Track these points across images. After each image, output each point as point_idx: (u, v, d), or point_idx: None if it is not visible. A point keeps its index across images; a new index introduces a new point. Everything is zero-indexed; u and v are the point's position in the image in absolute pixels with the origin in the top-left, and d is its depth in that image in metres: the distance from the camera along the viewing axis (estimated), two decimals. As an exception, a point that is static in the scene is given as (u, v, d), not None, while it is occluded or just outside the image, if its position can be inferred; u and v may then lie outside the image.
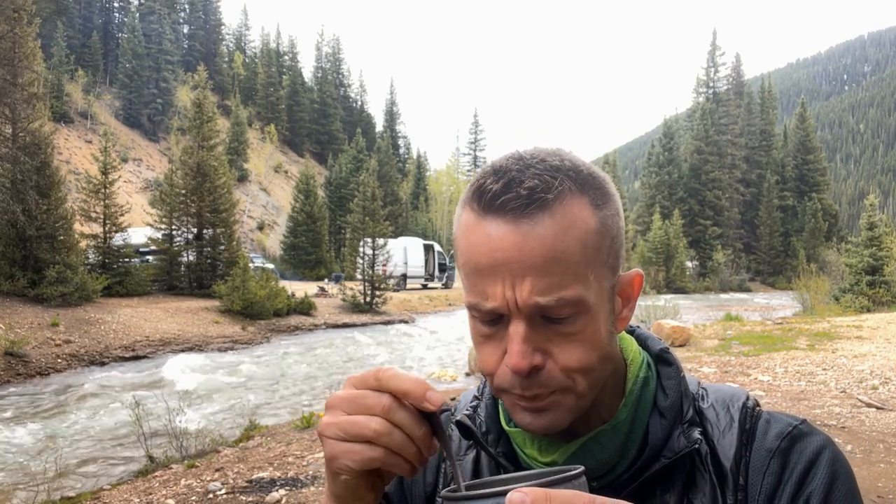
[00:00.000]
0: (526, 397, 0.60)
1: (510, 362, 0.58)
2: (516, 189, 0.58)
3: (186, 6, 78.41)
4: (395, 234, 37.57)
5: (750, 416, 0.66)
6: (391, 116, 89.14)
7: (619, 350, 0.69)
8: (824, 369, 9.57)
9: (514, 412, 0.63)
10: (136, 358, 14.99)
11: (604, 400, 0.66)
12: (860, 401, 7.49)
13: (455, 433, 0.75)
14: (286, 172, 68.79)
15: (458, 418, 0.72)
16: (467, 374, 13.23)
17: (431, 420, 0.53)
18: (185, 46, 75.01)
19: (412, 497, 0.77)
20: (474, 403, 0.75)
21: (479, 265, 0.60)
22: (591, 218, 0.60)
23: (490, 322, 0.61)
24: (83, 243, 19.39)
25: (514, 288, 0.58)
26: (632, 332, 0.74)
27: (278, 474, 5.60)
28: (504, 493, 0.42)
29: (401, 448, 0.52)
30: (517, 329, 0.58)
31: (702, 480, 0.63)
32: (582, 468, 0.47)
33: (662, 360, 0.70)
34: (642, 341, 0.73)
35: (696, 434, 0.64)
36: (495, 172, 0.61)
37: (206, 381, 12.37)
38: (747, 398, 0.68)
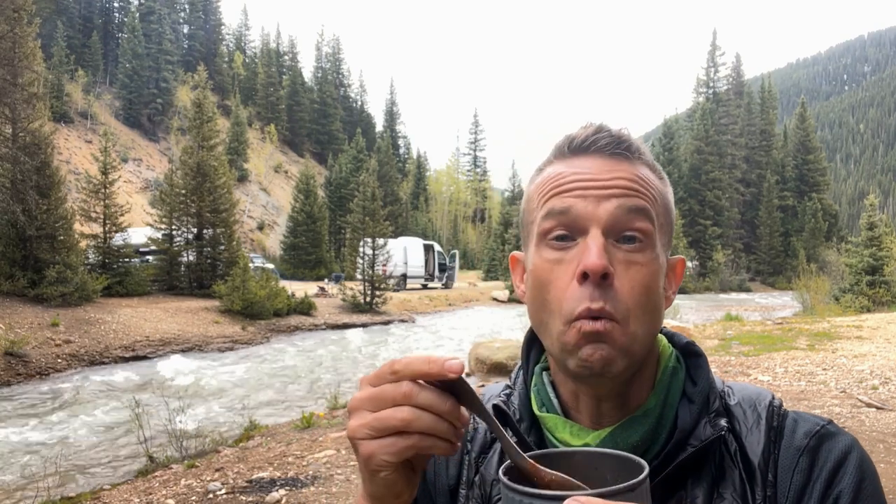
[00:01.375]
0: (593, 312, 0.61)
1: (588, 262, 0.61)
2: (607, 131, 0.67)
3: (186, 6, 78.38)
4: (395, 234, 37.55)
5: (777, 414, 0.68)
6: (391, 116, 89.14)
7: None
8: (824, 369, 9.57)
9: (577, 347, 0.63)
10: (136, 358, 14.99)
11: (637, 387, 0.68)
12: (860, 401, 7.48)
13: (482, 425, 0.77)
14: (286, 172, 68.80)
15: (494, 402, 0.73)
16: (468, 374, 13.23)
17: (455, 390, 0.52)
18: (185, 46, 75.00)
19: (436, 492, 0.77)
20: (507, 392, 0.77)
21: (564, 187, 0.65)
22: (657, 182, 0.69)
23: (563, 239, 0.65)
24: (83, 243, 19.39)
25: (599, 203, 0.64)
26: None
27: (278, 474, 5.60)
28: (561, 498, 0.41)
29: (433, 428, 0.51)
30: (595, 237, 0.62)
31: (731, 474, 0.65)
32: (646, 472, 0.45)
33: (690, 352, 0.73)
34: (669, 337, 0.75)
35: (723, 423, 0.65)
36: (582, 128, 0.69)
37: (206, 382, 12.37)
38: (773, 397, 0.70)
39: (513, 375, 0.78)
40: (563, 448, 0.58)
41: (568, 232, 0.64)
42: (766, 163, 72.12)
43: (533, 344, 0.76)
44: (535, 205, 0.68)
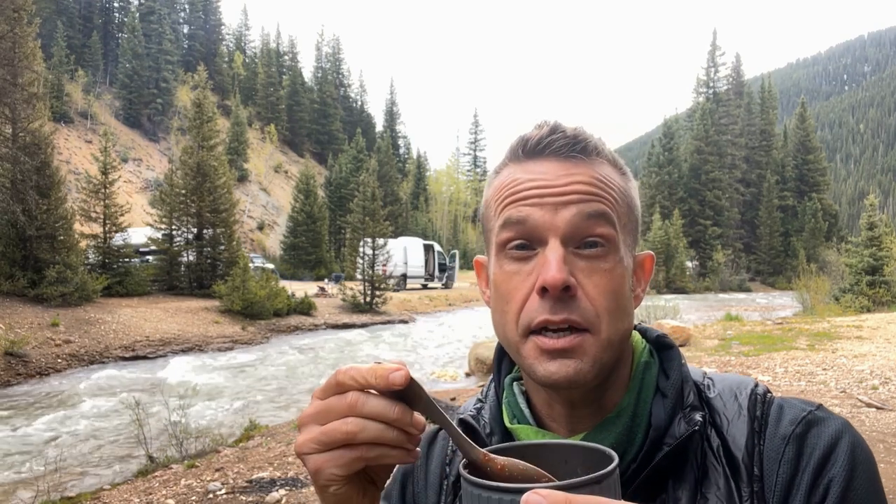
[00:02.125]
0: (553, 325, 0.60)
1: (547, 276, 0.59)
2: (562, 132, 0.65)
3: (186, 6, 78.42)
4: (395, 234, 37.57)
5: (760, 402, 0.64)
6: (391, 116, 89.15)
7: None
8: (824, 369, 9.57)
9: (538, 362, 0.61)
10: (136, 358, 14.99)
11: (612, 389, 0.66)
12: (860, 401, 7.48)
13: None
14: (286, 172, 68.80)
15: (461, 416, 0.72)
16: (467, 374, 13.22)
17: (405, 396, 0.50)
18: (185, 46, 75.03)
19: None
20: (478, 406, 0.74)
21: (520, 195, 0.63)
22: (619, 179, 0.66)
23: (522, 248, 0.63)
24: (83, 243, 19.39)
25: (557, 211, 0.62)
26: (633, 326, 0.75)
27: (278, 474, 5.60)
28: (521, 491, 0.39)
29: (381, 437, 0.49)
30: (554, 249, 0.61)
31: (715, 473, 0.61)
32: (614, 463, 0.44)
33: (661, 345, 0.71)
34: (641, 333, 0.74)
35: (698, 417, 0.62)
36: (536, 127, 0.67)
37: (205, 381, 12.37)
38: (756, 385, 0.66)
39: (484, 389, 0.76)
40: (530, 441, 0.55)
41: (527, 241, 0.63)
42: (766, 163, 72.14)
43: (504, 355, 0.74)
44: (492, 212, 0.66)
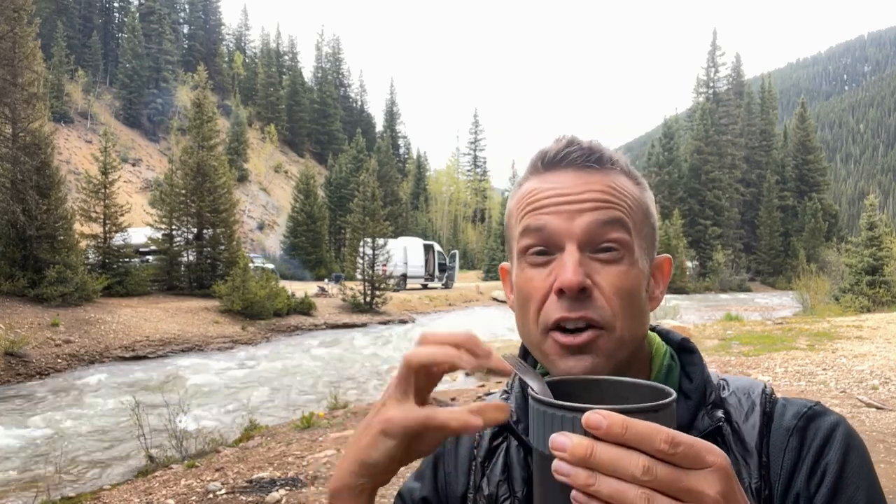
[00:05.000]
0: (570, 322, 0.64)
1: (563, 278, 0.63)
2: (578, 145, 0.69)
3: (186, 6, 78.44)
4: (395, 234, 37.56)
5: (769, 401, 0.70)
6: (391, 116, 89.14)
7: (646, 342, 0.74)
8: (824, 369, 9.57)
9: (557, 358, 0.65)
10: (137, 358, 14.98)
11: None
12: (860, 401, 7.48)
13: (486, 433, 0.79)
14: (286, 172, 68.79)
15: None
16: (467, 374, 13.23)
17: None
18: (185, 46, 75.03)
19: (448, 499, 0.79)
20: (504, 397, 0.79)
21: (539, 203, 0.68)
22: (634, 188, 0.70)
23: (541, 253, 0.67)
24: (83, 243, 19.38)
25: (573, 219, 0.66)
26: (653, 328, 0.77)
27: (278, 474, 5.59)
28: (583, 410, 0.41)
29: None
30: (571, 253, 0.65)
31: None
32: (672, 397, 0.46)
33: (684, 349, 0.75)
34: (663, 336, 0.77)
35: (720, 413, 0.68)
36: (555, 141, 0.71)
37: (205, 381, 12.37)
38: (765, 386, 0.73)
39: (509, 382, 0.80)
40: (592, 376, 0.59)
41: (545, 247, 0.67)
42: (766, 163, 72.12)
43: (528, 352, 0.78)
44: (514, 221, 0.71)
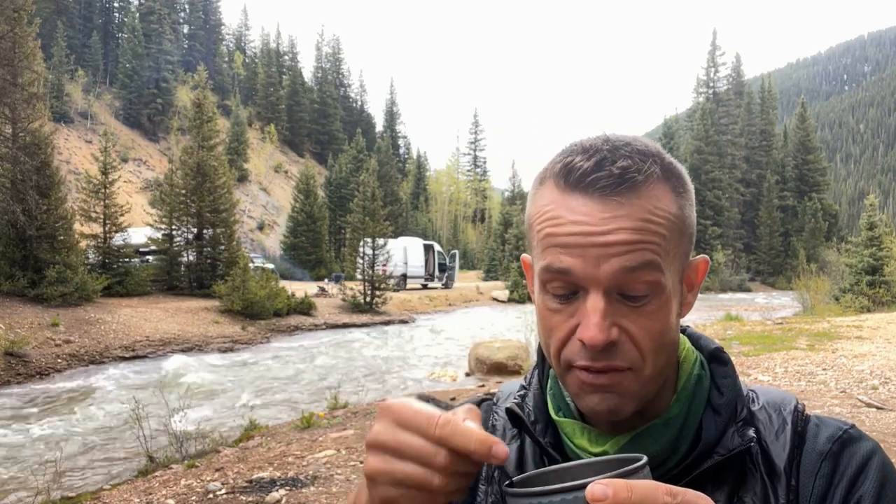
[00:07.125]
0: (594, 370, 0.60)
1: (587, 335, 0.59)
2: (608, 167, 0.60)
3: (186, 6, 78.42)
4: (395, 234, 37.55)
5: (801, 419, 0.67)
6: (391, 116, 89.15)
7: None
8: (824, 369, 9.57)
9: (580, 394, 0.63)
10: (137, 358, 14.99)
11: (658, 394, 0.66)
12: (860, 401, 7.48)
13: (500, 422, 0.76)
14: (286, 172, 68.80)
15: (507, 405, 0.72)
16: (467, 374, 13.23)
17: None
18: (185, 46, 74.95)
19: None
20: (521, 392, 0.75)
21: (561, 240, 0.60)
22: (672, 204, 0.63)
23: (564, 296, 0.62)
24: (83, 243, 19.38)
25: (599, 264, 0.59)
26: (683, 331, 0.74)
27: (278, 474, 5.59)
28: (582, 487, 0.41)
29: (461, 486, 0.51)
30: (596, 303, 0.59)
31: (752, 479, 0.64)
32: (645, 458, 0.45)
33: (717, 359, 0.71)
34: (694, 340, 0.73)
35: (751, 433, 0.64)
36: (584, 151, 0.62)
37: (206, 381, 12.37)
38: (797, 402, 0.69)
39: (527, 376, 0.77)
40: (554, 467, 0.55)
41: (568, 290, 0.62)
42: (766, 163, 72.11)
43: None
44: (533, 233, 0.65)
